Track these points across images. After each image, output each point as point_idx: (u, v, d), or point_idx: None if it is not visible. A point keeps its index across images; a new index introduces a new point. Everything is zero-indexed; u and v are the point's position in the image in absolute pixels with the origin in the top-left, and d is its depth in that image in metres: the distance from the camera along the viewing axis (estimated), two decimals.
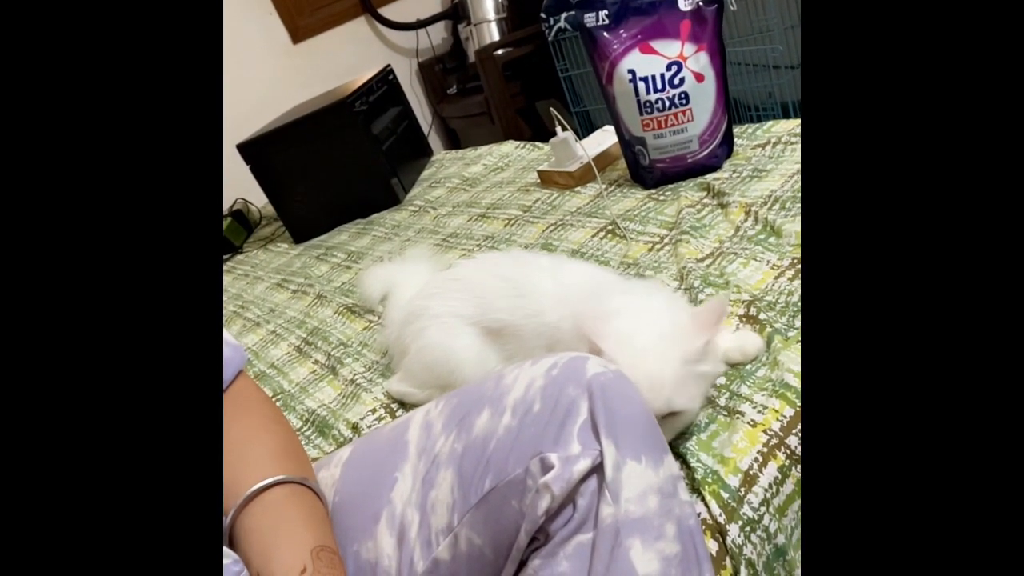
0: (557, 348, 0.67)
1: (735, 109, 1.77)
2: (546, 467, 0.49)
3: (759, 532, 0.56)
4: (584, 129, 2.27)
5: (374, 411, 0.87)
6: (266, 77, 2.52)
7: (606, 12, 1.09)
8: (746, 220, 0.96)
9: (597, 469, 0.49)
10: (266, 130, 1.71)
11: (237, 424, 0.57)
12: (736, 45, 1.68)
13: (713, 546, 0.55)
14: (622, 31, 1.09)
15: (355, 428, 0.85)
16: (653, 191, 1.17)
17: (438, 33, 2.88)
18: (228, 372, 0.61)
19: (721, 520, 0.56)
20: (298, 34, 2.57)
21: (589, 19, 1.11)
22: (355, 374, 0.98)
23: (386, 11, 2.71)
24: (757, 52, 1.72)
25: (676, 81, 1.08)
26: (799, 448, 0.59)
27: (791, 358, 0.67)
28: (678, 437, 0.63)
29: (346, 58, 2.64)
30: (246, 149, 1.67)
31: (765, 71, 1.66)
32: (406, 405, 0.86)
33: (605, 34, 1.10)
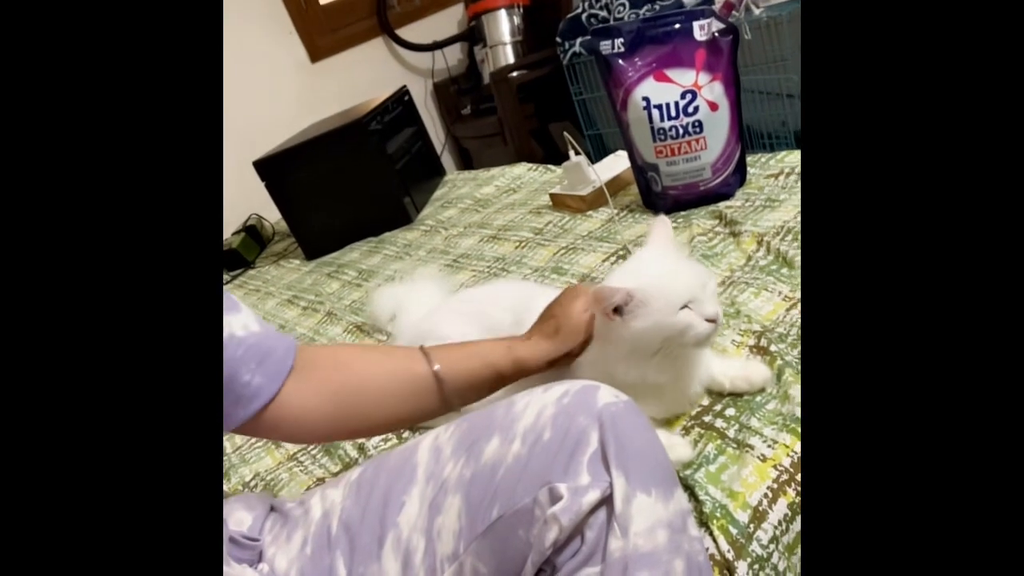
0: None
1: (748, 137, 1.77)
2: (555, 497, 0.48)
3: (768, 570, 0.55)
4: (596, 152, 2.29)
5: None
6: (284, 95, 2.55)
7: (622, 40, 1.10)
8: (758, 250, 0.96)
9: (606, 501, 0.48)
10: (282, 148, 1.74)
11: (343, 372, 0.63)
12: (751, 73, 1.69)
13: None
14: (637, 59, 1.11)
15: (362, 449, 0.85)
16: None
17: (454, 54, 2.92)
18: (286, 360, 0.61)
19: (730, 556, 0.55)
20: (317, 53, 2.61)
21: (605, 46, 1.12)
22: None
23: (403, 32, 2.75)
24: (771, 81, 1.73)
25: (690, 109, 1.09)
26: None
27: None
28: (687, 468, 0.63)
29: (363, 77, 2.68)
30: (262, 166, 1.69)
31: (779, 99, 1.67)
32: (415, 428, 0.86)
33: (620, 61, 1.11)
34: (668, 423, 0.70)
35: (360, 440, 0.87)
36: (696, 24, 1.07)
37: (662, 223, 0.70)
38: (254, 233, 2.01)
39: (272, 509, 0.64)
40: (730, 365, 0.72)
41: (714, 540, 0.56)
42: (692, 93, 1.08)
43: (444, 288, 1.09)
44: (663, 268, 0.65)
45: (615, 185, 1.33)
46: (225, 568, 0.54)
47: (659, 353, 0.63)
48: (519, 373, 0.66)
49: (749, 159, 1.22)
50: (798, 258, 0.89)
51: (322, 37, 2.63)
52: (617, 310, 0.62)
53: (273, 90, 2.53)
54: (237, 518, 0.61)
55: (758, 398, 0.69)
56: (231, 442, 1.00)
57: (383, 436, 0.86)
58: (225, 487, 0.90)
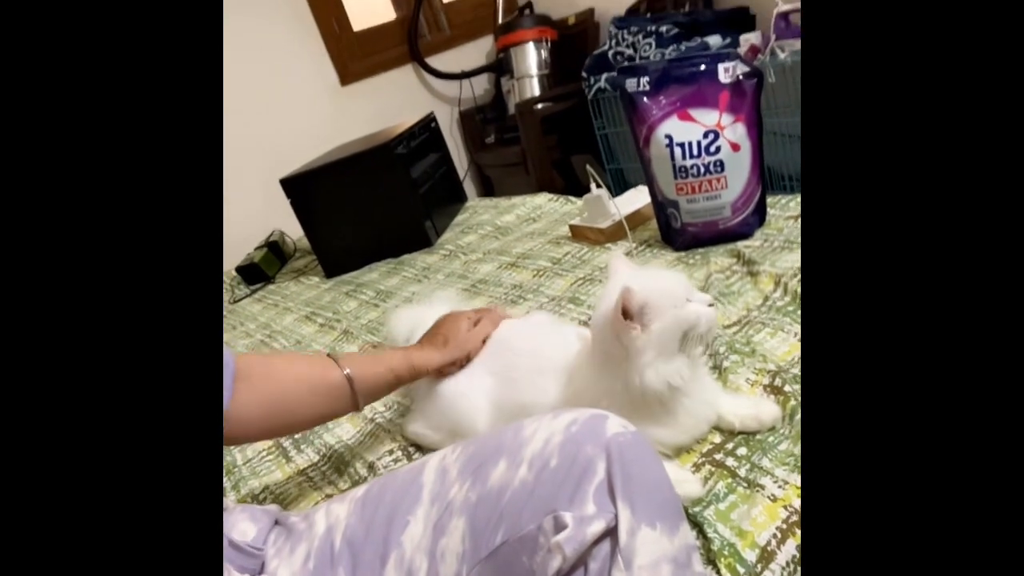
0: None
1: (770, 178, 1.78)
2: (559, 526, 0.48)
3: None
4: (616, 186, 2.31)
5: (391, 452, 0.88)
6: (314, 116, 2.61)
7: (647, 79, 1.12)
8: (775, 290, 0.96)
9: (611, 533, 0.48)
10: (309, 167, 1.77)
11: (276, 378, 0.72)
12: (774, 116, 1.71)
13: None
14: (662, 98, 1.12)
15: (371, 468, 0.86)
16: (683, 254, 1.18)
17: (481, 84, 2.98)
18: (231, 372, 0.67)
19: None
20: (347, 77, 2.68)
21: (631, 84, 1.14)
22: (375, 412, 0.99)
23: (433, 61, 2.82)
24: (794, 124, 1.75)
25: (712, 149, 1.10)
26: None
27: None
28: (696, 505, 0.62)
29: (391, 102, 2.74)
30: (289, 184, 1.73)
31: (800, 142, 1.68)
32: (423, 449, 0.86)
33: (645, 99, 1.13)
34: (679, 458, 0.69)
35: (371, 459, 0.87)
36: (721, 66, 1.09)
37: (619, 256, 0.76)
38: (276, 249, 2.04)
39: (276, 522, 0.65)
40: (740, 403, 0.72)
41: None
42: (715, 133, 1.09)
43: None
44: (649, 276, 0.68)
45: (635, 219, 1.34)
46: None
47: (681, 351, 0.66)
48: (412, 377, 0.80)
49: (770, 200, 1.23)
50: None
51: (353, 61, 2.70)
52: (634, 320, 0.64)
53: (303, 110, 2.59)
54: (241, 529, 0.61)
55: (770, 438, 0.68)
56: (242, 454, 1.01)
57: (393, 456, 0.87)
58: (234, 498, 0.90)
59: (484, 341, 0.84)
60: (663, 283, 0.67)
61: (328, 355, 0.76)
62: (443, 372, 0.83)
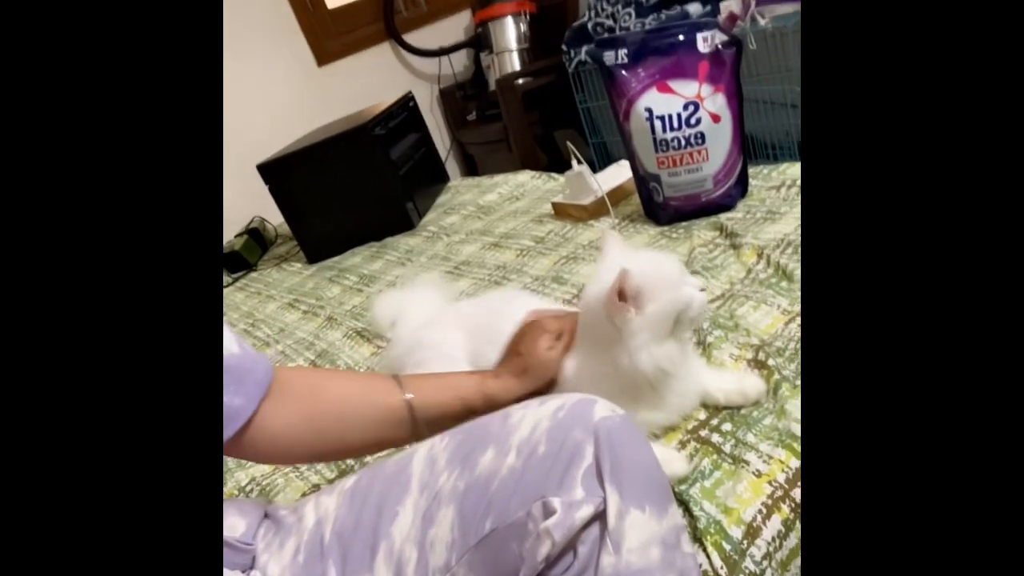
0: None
1: (752, 147, 1.77)
2: (548, 512, 0.48)
3: None
4: (601, 159, 2.29)
5: None
6: (289, 98, 2.56)
7: (626, 51, 1.11)
8: (758, 263, 0.96)
9: (600, 516, 0.48)
10: (286, 151, 1.74)
11: (322, 399, 0.65)
12: (755, 84, 1.70)
13: None
14: (641, 70, 1.11)
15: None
16: (666, 228, 1.17)
17: (460, 60, 2.93)
18: (264, 381, 0.62)
19: (722, 573, 0.55)
20: (323, 57, 2.62)
21: (609, 57, 1.12)
22: None
23: (410, 38, 2.76)
24: (776, 91, 1.73)
25: (693, 121, 1.09)
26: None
27: (798, 407, 0.67)
28: (681, 483, 0.62)
29: (369, 82, 2.69)
30: (266, 169, 1.70)
31: (784, 110, 1.67)
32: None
33: (624, 72, 1.12)
34: (664, 436, 0.70)
35: None
36: (700, 36, 1.07)
37: (611, 235, 0.74)
38: (257, 236, 2.01)
39: (266, 516, 0.65)
40: (725, 378, 0.72)
41: (707, 556, 0.56)
42: (695, 105, 1.08)
43: (445, 295, 1.09)
44: (646, 259, 0.68)
45: (617, 195, 1.33)
46: None
47: (672, 334, 0.66)
48: (488, 408, 0.66)
49: (752, 170, 1.22)
50: (798, 271, 0.89)
51: (329, 41, 2.64)
52: (628, 302, 0.64)
53: (278, 93, 2.54)
54: (230, 523, 0.61)
55: (754, 413, 0.69)
56: None
57: None
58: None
59: None
60: (660, 266, 0.67)
61: (393, 376, 0.68)
62: (522, 401, 0.71)
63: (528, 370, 0.70)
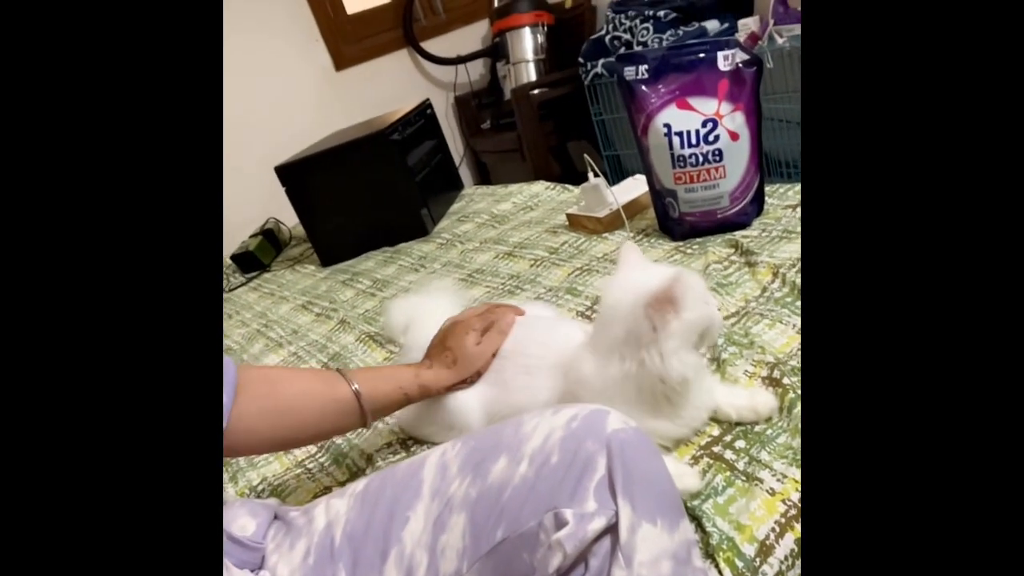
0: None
1: (768, 165, 1.78)
2: (560, 523, 0.49)
3: None
4: (613, 172, 2.30)
5: (389, 444, 0.88)
6: (308, 102, 2.59)
7: (646, 67, 1.11)
8: (773, 281, 0.96)
9: (611, 529, 0.48)
10: (304, 154, 1.76)
11: (277, 392, 0.71)
12: (772, 102, 1.70)
13: None
14: (661, 86, 1.11)
15: (369, 460, 0.86)
16: (680, 243, 1.17)
17: (476, 69, 2.95)
18: (232, 383, 0.66)
19: None
20: (342, 62, 2.65)
21: (629, 72, 1.13)
22: None
23: (428, 45, 2.79)
24: (792, 110, 1.74)
25: (711, 138, 1.09)
26: None
27: None
28: (694, 498, 0.62)
29: (386, 87, 2.71)
30: (283, 171, 1.71)
31: (798, 128, 1.68)
32: (420, 441, 0.86)
33: (643, 88, 1.12)
34: (677, 451, 0.70)
35: (369, 451, 0.87)
36: (720, 54, 1.08)
37: (630, 245, 0.75)
38: (271, 237, 2.03)
39: (276, 517, 0.65)
40: (737, 394, 0.72)
41: (719, 572, 0.56)
42: (713, 122, 1.09)
43: (459, 302, 1.09)
44: (680, 272, 0.68)
45: (632, 208, 1.33)
46: (225, 573, 0.55)
47: (695, 347, 0.68)
48: (422, 396, 0.78)
49: (768, 189, 1.23)
50: None
51: (348, 46, 2.67)
52: (670, 307, 0.65)
53: (297, 96, 2.57)
54: (240, 524, 0.61)
55: (768, 431, 0.69)
56: None
57: (391, 448, 0.87)
58: (232, 491, 0.90)
59: (494, 355, 0.80)
60: (696, 280, 0.69)
61: (337, 370, 0.75)
62: (452, 390, 0.79)
63: (458, 362, 0.79)
